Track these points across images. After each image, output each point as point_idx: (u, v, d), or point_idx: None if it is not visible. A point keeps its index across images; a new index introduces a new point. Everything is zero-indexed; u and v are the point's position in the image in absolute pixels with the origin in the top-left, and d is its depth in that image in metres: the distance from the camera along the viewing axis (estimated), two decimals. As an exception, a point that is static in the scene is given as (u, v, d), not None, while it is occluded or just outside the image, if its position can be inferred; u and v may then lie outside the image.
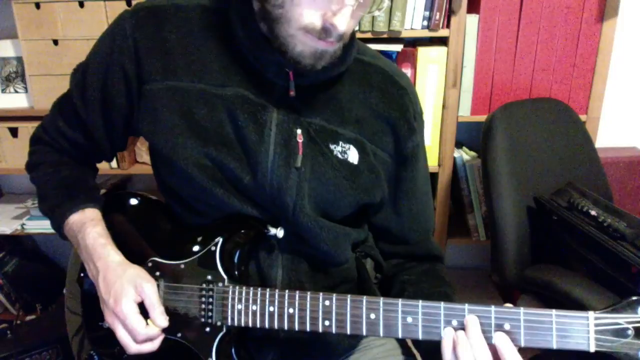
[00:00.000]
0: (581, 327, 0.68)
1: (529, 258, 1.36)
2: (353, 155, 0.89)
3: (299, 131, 0.86)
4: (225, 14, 0.86)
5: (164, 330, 0.85)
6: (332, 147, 0.88)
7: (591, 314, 0.68)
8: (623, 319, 0.66)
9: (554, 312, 0.69)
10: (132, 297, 0.82)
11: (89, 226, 0.89)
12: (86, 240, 0.88)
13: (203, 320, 0.86)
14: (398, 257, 1.03)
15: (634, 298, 0.67)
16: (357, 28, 1.56)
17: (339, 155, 0.88)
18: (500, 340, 0.71)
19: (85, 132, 0.95)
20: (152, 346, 0.83)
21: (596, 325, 0.67)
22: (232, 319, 0.84)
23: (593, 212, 1.23)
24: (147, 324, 0.83)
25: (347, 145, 0.88)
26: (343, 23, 0.73)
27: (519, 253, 1.34)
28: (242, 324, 0.83)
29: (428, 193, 1.03)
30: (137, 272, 0.85)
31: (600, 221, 1.21)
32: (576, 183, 1.39)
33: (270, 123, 0.85)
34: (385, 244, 1.03)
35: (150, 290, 0.83)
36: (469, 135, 1.85)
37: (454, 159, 1.72)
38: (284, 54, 0.78)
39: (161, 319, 0.83)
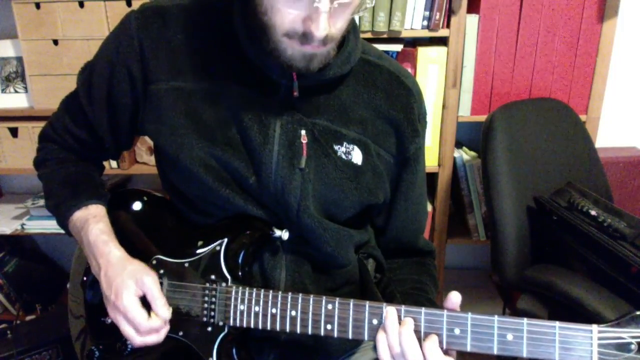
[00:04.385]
0: (584, 340, 0.67)
1: (529, 258, 1.36)
2: (357, 156, 0.89)
3: (303, 132, 0.86)
4: (228, 13, 0.86)
5: None
6: (336, 147, 0.88)
7: (595, 328, 0.67)
8: (627, 334, 0.66)
9: (557, 324, 0.68)
10: (132, 291, 0.83)
11: (92, 222, 0.89)
12: (89, 236, 0.88)
13: (205, 319, 0.86)
14: (388, 253, 1.04)
15: (639, 313, 0.66)
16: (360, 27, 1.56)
17: (343, 156, 0.88)
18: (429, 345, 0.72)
19: (91, 130, 0.96)
20: (157, 338, 0.84)
21: (599, 338, 0.67)
22: (234, 319, 0.84)
23: (593, 212, 1.24)
24: (150, 316, 0.83)
25: (351, 146, 0.89)
26: (321, 29, 0.72)
27: (519, 253, 1.34)
28: (244, 325, 0.83)
29: (423, 195, 1.03)
30: (137, 267, 0.85)
31: (600, 221, 1.21)
32: (576, 183, 1.39)
33: (275, 124, 0.86)
34: (377, 242, 1.04)
35: (150, 283, 0.84)
36: (469, 135, 1.85)
37: (454, 159, 1.72)
38: (278, 58, 0.78)
39: (163, 310, 0.84)
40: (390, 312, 0.74)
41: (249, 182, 0.86)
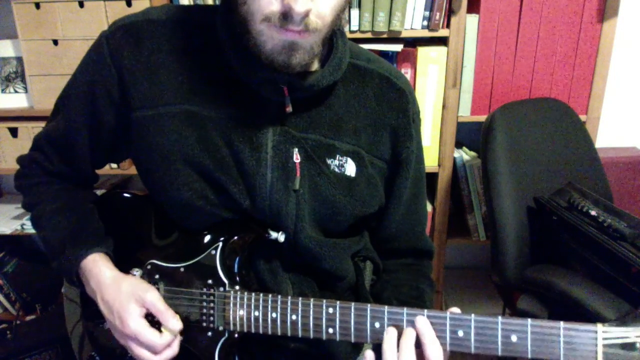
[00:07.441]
0: (589, 340, 0.67)
1: (529, 258, 1.36)
2: (350, 168, 0.87)
3: (295, 150, 0.84)
4: (210, 29, 0.82)
5: None
6: (329, 161, 0.86)
7: (599, 327, 0.67)
8: (632, 333, 0.66)
9: (561, 324, 0.68)
10: (137, 313, 0.80)
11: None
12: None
13: (204, 324, 0.85)
14: (383, 253, 1.03)
15: None
16: (350, 28, 1.56)
17: (336, 170, 0.86)
18: (421, 323, 0.73)
19: (72, 165, 0.93)
20: (173, 352, 0.82)
21: (604, 338, 0.67)
22: (234, 324, 0.83)
23: (593, 212, 1.23)
24: (162, 331, 0.81)
25: (344, 159, 0.86)
26: (299, 2, 0.66)
27: (519, 253, 1.34)
28: (245, 330, 0.83)
29: (419, 196, 0.99)
30: (132, 284, 0.83)
31: (600, 221, 1.21)
32: (576, 183, 1.39)
33: (267, 145, 0.83)
34: (373, 242, 1.03)
35: (153, 298, 0.81)
36: (469, 135, 1.85)
37: (454, 159, 1.72)
38: (260, 58, 0.74)
39: (174, 323, 0.81)
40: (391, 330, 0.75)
41: (243, 206, 0.84)
